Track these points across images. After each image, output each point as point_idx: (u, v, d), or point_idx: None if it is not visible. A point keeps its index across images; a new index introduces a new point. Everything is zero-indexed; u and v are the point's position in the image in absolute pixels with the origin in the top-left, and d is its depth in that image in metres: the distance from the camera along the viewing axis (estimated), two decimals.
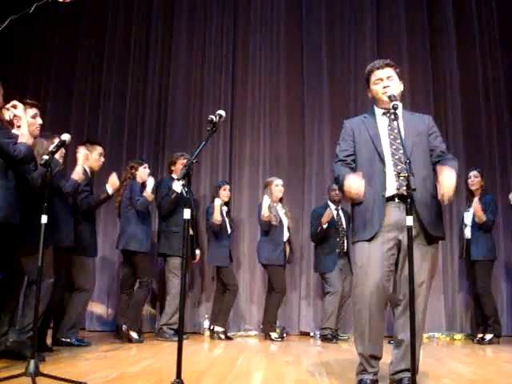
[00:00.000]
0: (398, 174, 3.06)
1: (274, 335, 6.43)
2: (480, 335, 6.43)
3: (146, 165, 6.25)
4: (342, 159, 3.34)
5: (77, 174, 4.75)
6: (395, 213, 3.13)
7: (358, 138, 3.34)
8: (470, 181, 6.57)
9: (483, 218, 6.26)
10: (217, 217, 6.42)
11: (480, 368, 4.26)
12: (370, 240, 3.14)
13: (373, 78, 3.36)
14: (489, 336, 6.30)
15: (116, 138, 7.72)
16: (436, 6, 8.19)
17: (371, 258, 3.12)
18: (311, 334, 7.08)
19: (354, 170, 3.28)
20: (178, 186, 6.18)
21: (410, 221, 2.66)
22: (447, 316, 7.25)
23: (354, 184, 3.06)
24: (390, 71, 3.33)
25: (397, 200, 3.14)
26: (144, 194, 5.94)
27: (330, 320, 6.40)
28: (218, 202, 6.48)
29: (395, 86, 3.31)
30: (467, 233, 6.53)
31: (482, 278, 6.37)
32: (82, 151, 5.07)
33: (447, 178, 2.94)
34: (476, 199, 6.35)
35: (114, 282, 7.27)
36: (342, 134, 3.45)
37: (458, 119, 7.79)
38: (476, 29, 8.05)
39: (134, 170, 6.13)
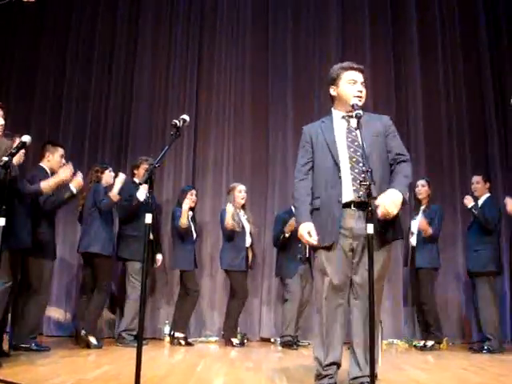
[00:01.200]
0: (357, 179, 3.09)
1: (234, 341, 6.41)
2: (422, 342, 6.59)
3: (110, 168, 6.20)
4: (301, 177, 3.35)
5: (48, 186, 4.72)
6: (351, 220, 3.15)
7: (315, 143, 3.34)
8: (417, 190, 6.68)
9: (429, 231, 6.39)
10: (183, 220, 6.39)
11: (437, 375, 4.32)
12: (327, 248, 3.15)
13: (346, 76, 3.31)
14: (430, 343, 6.42)
15: (78, 140, 7.61)
16: (400, 12, 8.35)
17: (329, 264, 3.14)
18: (272, 340, 7.09)
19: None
20: (142, 195, 6.13)
21: (370, 229, 2.68)
22: (406, 323, 7.34)
23: (306, 236, 3.14)
24: (362, 77, 3.33)
25: (353, 207, 3.15)
26: (109, 193, 5.88)
27: (290, 327, 6.43)
28: (186, 205, 6.44)
29: (364, 94, 3.31)
30: (413, 241, 6.62)
31: (425, 286, 6.48)
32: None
33: (385, 205, 2.99)
34: (420, 216, 6.52)
35: (73, 285, 7.15)
36: (301, 141, 3.45)
37: (419, 126, 7.94)
38: (439, 37, 8.24)
39: (99, 174, 6.07)
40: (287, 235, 6.45)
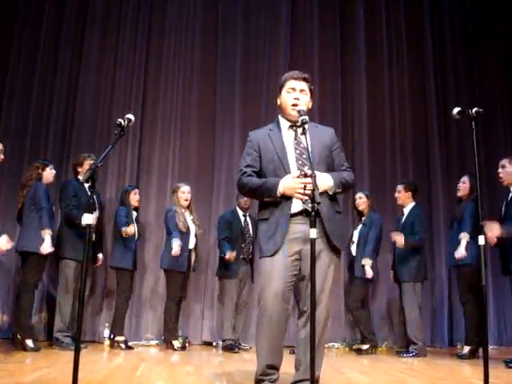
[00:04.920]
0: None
1: (176, 344, 6.36)
2: (357, 346, 6.74)
3: (51, 166, 6.05)
4: (248, 173, 3.30)
5: None
6: (300, 227, 3.16)
7: (263, 153, 3.31)
8: (356, 202, 6.78)
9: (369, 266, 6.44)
10: (129, 233, 6.32)
11: (377, 378, 4.39)
12: (272, 255, 3.15)
13: (286, 85, 3.34)
14: (365, 346, 6.52)
15: (19, 136, 7.36)
16: (348, 23, 8.54)
17: (273, 269, 3.14)
18: (214, 343, 7.07)
19: None
20: (89, 219, 5.95)
21: (313, 233, 2.70)
22: (347, 326, 7.44)
23: (297, 183, 3.04)
24: (304, 85, 3.33)
25: (303, 214, 3.16)
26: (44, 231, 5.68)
27: (229, 330, 6.43)
28: (131, 230, 6.34)
29: (305, 100, 3.31)
30: (353, 250, 6.71)
31: (356, 294, 6.58)
32: None
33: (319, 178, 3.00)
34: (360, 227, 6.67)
35: (10, 287, 6.95)
36: (247, 148, 3.41)
37: (363, 135, 8.11)
38: (385, 49, 8.48)
39: (39, 171, 5.90)
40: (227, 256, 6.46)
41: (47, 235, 5.66)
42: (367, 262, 6.41)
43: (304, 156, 3.20)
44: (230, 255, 6.39)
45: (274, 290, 3.12)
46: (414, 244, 6.26)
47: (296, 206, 3.17)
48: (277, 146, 3.28)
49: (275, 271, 3.14)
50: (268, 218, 3.23)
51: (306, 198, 3.01)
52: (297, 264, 3.18)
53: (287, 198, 3.16)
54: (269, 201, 3.20)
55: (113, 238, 6.71)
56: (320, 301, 3.08)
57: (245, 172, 3.32)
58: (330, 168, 3.29)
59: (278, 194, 3.14)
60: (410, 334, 6.20)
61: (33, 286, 5.75)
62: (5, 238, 4.91)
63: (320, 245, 3.11)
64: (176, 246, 6.27)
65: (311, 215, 2.73)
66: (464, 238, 5.96)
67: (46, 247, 5.64)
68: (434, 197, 7.99)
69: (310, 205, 3.02)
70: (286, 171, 3.20)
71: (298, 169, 3.17)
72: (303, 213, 3.16)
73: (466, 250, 5.92)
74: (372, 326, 6.74)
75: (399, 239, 6.26)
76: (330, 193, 3.19)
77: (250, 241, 6.69)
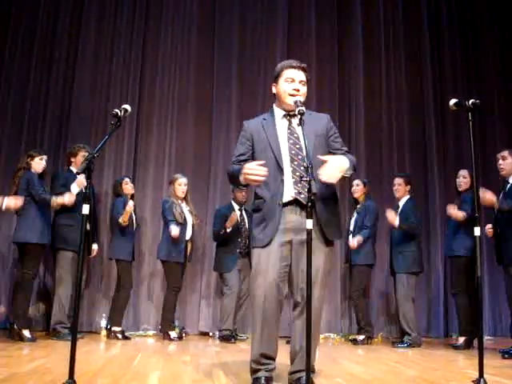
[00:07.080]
0: (300, 180, 3.08)
1: (172, 335, 6.38)
2: (353, 336, 6.77)
3: (43, 156, 5.98)
4: (237, 161, 3.30)
5: None
6: (291, 216, 3.16)
7: (256, 142, 3.29)
8: (352, 189, 6.76)
9: (359, 240, 6.45)
10: (125, 219, 6.32)
11: (372, 368, 4.39)
12: (265, 245, 3.15)
13: (285, 74, 3.28)
14: (361, 337, 6.54)
15: (15, 127, 7.34)
16: (346, 13, 8.55)
17: (265, 259, 3.14)
18: (210, 333, 7.10)
19: None
20: (75, 188, 5.96)
21: (309, 224, 2.71)
22: (343, 317, 7.47)
23: (253, 167, 3.02)
24: (303, 76, 3.29)
25: (291, 205, 3.16)
26: (55, 198, 5.72)
27: (228, 321, 6.45)
28: (131, 203, 6.34)
29: (304, 92, 3.28)
30: (350, 239, 6.65)
31: (356, 282, 6.57)
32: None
33: (330, 164, 3.00)
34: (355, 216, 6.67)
35: (8, 278, 6.94)
36: (240, 137, 3.39)
37: (360, 125, 8.14)
38: (382, 38, 8.51)
39: (29, 160, 5.87)
40: (229, 230, 6.47)
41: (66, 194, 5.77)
42: (357, 238, 6.44)
43: (297, 146, 3.19)
44: (229, 222, 6.45)
45: (267, 280, 3.11)
46: (406, 227, 6.29)
47: (287, 195, 3.15)
48: (270, 136, 3.26)
49: (267, 261, 3.13)
50: (261, 209, 3.22)
51: (258, 182, 3.04)
52: (288, 254, 3.17)
53: (279, 188, 3.15)
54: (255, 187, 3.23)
55: (111, 230, 6.70)
56: (312, 293, 3.08)
57: (234, 161, 3.32)
58: (324, 155, 3.18)
59: (241, 179, 3.12)
60: (404, 324, 6.24)
61: (31, 277, 5.75)
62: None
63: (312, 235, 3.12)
64: (175, 229, 6.28)
65: (307, 205, 2.73)
66: None
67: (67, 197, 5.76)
68: (431, 188, 8.01)
69: (302, 196, 3.06)
70: (279, 164, 3.18)
71: (291, 159, 3.17)
72: (294, 202, 3.16)
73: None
74: (370, 316, 6.76)
75: (391, 217, 6.32)
76: (346, 175, 3.17)
77: (246, 235, 6.67)
